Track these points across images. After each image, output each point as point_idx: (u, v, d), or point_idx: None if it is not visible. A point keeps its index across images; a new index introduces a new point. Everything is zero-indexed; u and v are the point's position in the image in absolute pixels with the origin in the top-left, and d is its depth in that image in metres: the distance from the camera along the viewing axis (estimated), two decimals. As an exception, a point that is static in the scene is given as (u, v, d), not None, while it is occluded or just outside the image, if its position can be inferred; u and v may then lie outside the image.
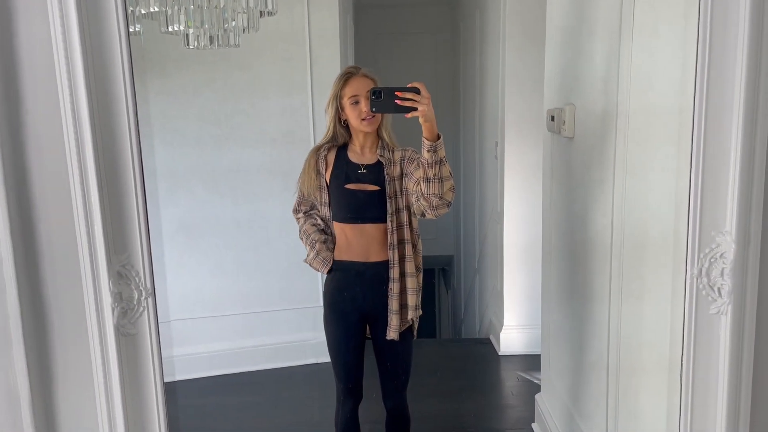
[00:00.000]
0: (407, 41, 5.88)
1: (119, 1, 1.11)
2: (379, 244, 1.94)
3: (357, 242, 1.95)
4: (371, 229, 1.93)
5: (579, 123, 2.06)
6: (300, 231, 2.05)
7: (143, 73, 3.08)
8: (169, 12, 2.00)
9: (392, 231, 1.90)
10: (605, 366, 1.91)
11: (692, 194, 1.24)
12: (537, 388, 2.79)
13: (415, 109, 1.58)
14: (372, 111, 1.67)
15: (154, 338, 1.25)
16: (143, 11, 2.02)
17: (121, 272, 1.20)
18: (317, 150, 1.99)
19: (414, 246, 1.95)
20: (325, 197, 1.99)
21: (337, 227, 1.98)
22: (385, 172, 1.90)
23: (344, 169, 1.94)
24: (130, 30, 1.36)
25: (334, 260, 1.98)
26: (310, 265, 2.01)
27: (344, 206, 1.94)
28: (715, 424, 1.30)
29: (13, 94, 1.12)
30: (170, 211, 3.25)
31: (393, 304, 1.93)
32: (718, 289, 1.26)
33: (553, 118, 2.25)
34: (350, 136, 1.96)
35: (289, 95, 3.27)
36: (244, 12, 2.06)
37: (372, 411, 2.29)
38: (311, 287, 3.33)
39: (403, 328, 1.96)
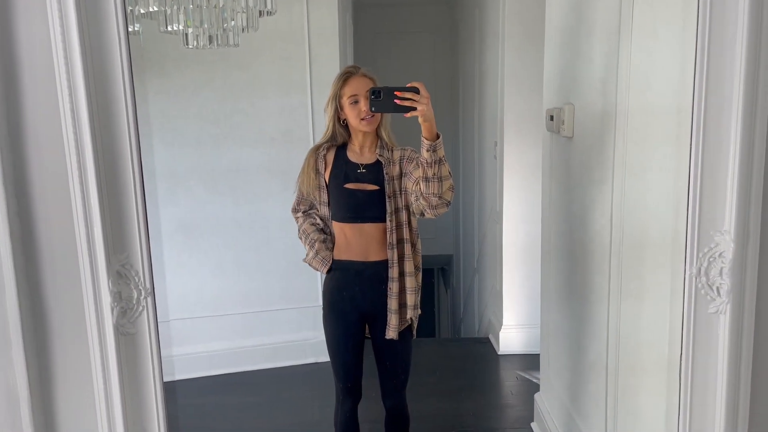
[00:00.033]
0: (406, 40, 5.88)
1: (118, 1, 1.11)
2: (378, 244, 1.94)
3: (356, 242, 1.95)
4: (370, 228, 1.93)
5: (578, 123, 2.06)
6: (299, 230, 2.05)
7: (142, 72, 3.08)
8: (169, 11, 2.00)
9: (391, 230, 1.91)
10: (604, 365, 1.91)
11: (691, 194, 1.24)
12: (536, 388, 2.79)
13: (415, 108, 1.58)
14: (371, 110, 1.67)
15: (154, 338, 1.25)
16: (142, 11, 2.02)
17: (121, 272, 1.20)
18: (316, 149, 1.99)
19: (413, 245, 1.95)
20: (325, 197, 1.99)
21: (337, 227, 1.98)
22: (385, 171, 1.91)
23: (343, 168, 1.94)
24: (129, 29, 1.36)
25: (333, 259, 1.99)
26: (309, 264, 2.01)
27: (343, 206, 1.95)
28: (714, 423, 1.30)
29: (12, 94, 1.12)
30: (169, 211, 3.25)
31: (392, 303, 1.93)
32: (717, 288, 1.26)
33: (552, 118, 2.25)
34: (349, 135, 1.96)
35: (288, 95, 3.27)
36: (243, 11, 2.06)
37: (371, 410, 2.29)
38: (310, 287, 3.33)
39: (402, 328, 1.97)
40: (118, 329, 1.20)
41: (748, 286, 1.25)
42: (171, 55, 3.12)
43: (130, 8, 2.02)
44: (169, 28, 2.03)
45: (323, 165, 1.97)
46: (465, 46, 5.13)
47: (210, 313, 3.37)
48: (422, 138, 1.64)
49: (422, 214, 1.83)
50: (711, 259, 1.25)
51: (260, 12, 2.10)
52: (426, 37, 5.94)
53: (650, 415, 1.66)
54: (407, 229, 1.93)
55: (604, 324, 1.90)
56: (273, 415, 3.00)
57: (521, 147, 3.40)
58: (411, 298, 1.94)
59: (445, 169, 1.69)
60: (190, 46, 2.10)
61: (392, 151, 1.93)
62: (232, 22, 2.08)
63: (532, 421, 2.74)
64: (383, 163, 1.91)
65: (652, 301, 1.61)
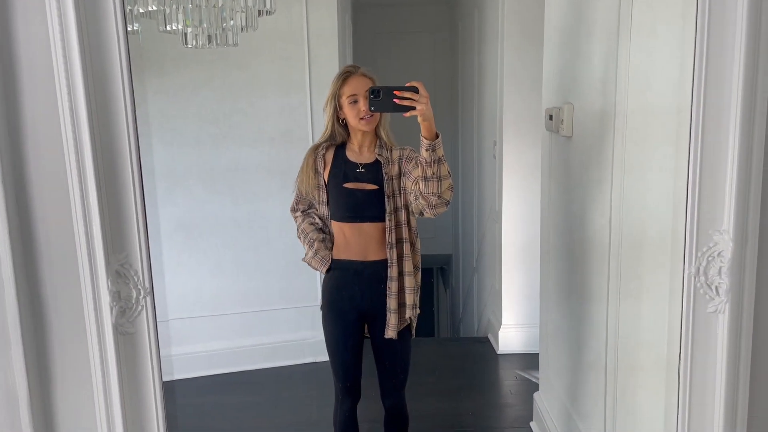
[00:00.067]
0: (406, 40, 5.88)
1: (117, 0, 1.11)
2: (377, 243, 1.94)
3: (355, 241, 1.95)
4: (369, 228, 1.93)
5: (577, 122, 2.06)
6: (298, 230, 2.05)
7: (141, 71, 3.08)
8: (168, 11, 1.99)
9: (390, 230, 1.91)
10: (603, 365, 1.91)
11: (690, 193, 1.24)
12: (535, 387, 2.79)
13: (414, 108, 1.58)
14: (370, 110, 1.67)
15: (153, 337, 1.25)
16: (141, 10, 2.01)
17: (120, 271, 1.20)
18: (315, 149, 1.99)
19: (412, 245, 1.95)
20: (324, 196, 1.99)
21: (336, 226, 1.98)
22: (384, 171, 1.91)
23: (342, 168, 1.94)
24: (129, 29, 1.36)
25: (332, 259, 1.99)
26: (308, 264, 2.01)
27: (342, 205, 1.95)
28: (713, 423, 1.30)
29: (11, 93, 1.12)
30: (168, 210, 3.25)
31: (391, 302, 1.93)
32: (716, 287, 1.26)
33: (551, 118, 2.25)
34: (348, 135, 1.96)
35: (288, 94, 3.27)
36: (242, 11, 2.06)
37: (370, 410, 2.29)
38: (310, 286, 3.33)
39: (402, 327, 1.97)
40: (117, 329, 1.20)
41: (746, 286, 1.26)
42: (170, 55, 3.12)
43: (129, 7, 2.02)
44: (168, 28, 2.03)
45: (322, 164, 1.97)
46: (464, 45, 5.13)
47: (209, 312, 3.37)
48: (421, 137, 1.64)
49: (421, 214, 1.83)
50: (710, 259, 1.25)
51: (259, 11, 2.10)
52: (425, 37, 5.94)
53: (649, 414, 1.66)
54: (406, 228, 1.93)
55: (603, 323, 1.90)
56: (272, 415, 3.00)
57: (520, 146, 3.40)
58: (410, 298, 1.94)
59: (444, 168, 1.69)
60: (189, 46, 2.10)
61: (391, 151, 1.93)
62: (231, 22, 2.08)
63: (532, 420, 2.75)
64: (382, 162, 1.91)
65: (651, 301, 1.61)
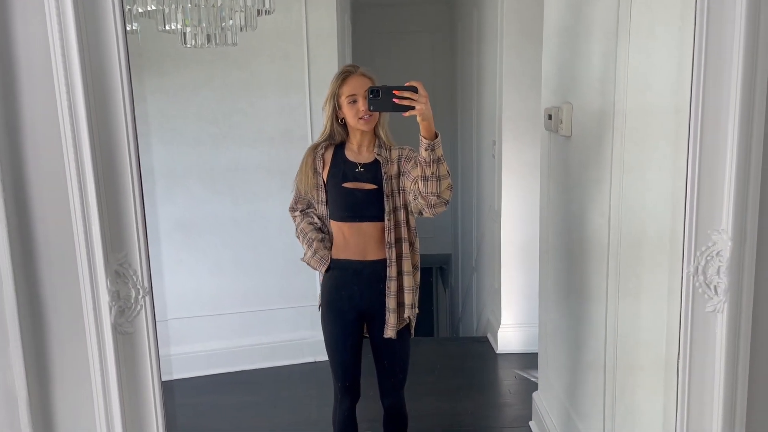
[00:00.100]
0: (405, 40, 5.88)
1: (116, 0, 1.11)
2: (376, 243, 1.94)
3: (354, 241, 1.95)
4: (369, 227, 1.93)
5: (576, 122, 2.06)
6: (296, 230, 2.05)
7: (141, 71, 3.08)
8: (167, 10, 1.99)
9: (390, 229, 1.91)
10: (602, 364, 1.91)
11: (689, 192, 1.24)
12: (534, 387, 2.79)
13: (413, 107, 1.58)
14: (370, 110, 1.67)
15: (152, 337, 1.25)
16: (140, 9, 2.01)
17: (119, 271, 1.20)
18: (314, 148, 1.99)
19: (411, 244, 1.95)
20: (323, 196, 1.99)
21: (335, 226, 1.98)
22: (383, 170, 1.91)
23: (341, 167, 1.94)
24: (127, 28, 1.36)
25: (331, 258, 1.99)
26: (307, 263, 2.01)
27: (341, 205, 1.95)
28: (712, 422, 1.30)
29: (10, 93, 1.12)
30: (168, 209, 3.25)
31: (390, 302, 1.93)
32: (714, 287, 1.26)
33: (550, 117, 2.25)
34: (347, 134, 1.96)
35: (287, 94, 3.27)
36: (241, 10, 2.06)
37: (369, 409, 2.29)
38: (309, 286, 3.33)
39: (401, 327, 1.97)
40: (116, 328, 1.20)
41: (745, 285, 1.26)
42: (169, 54, 3.12)
43: (128, 7, 2.02)
44: (167, 27, 2.03)
45: (321, 164, 1.97)
46: (463, 45, 5.13)
47: (208, 312, 3.37)
48: (421, 137, 1.64)
49: (420, 213, 1.83)
50: (708, 258, 1.25)
51: (258, 11, 2.09)
52: (424, 36, 5.94)
53: (648, 413, 1.66)
54: (405, 228, 1.93)
55: (602, 323, 1.90)
56: (271, 415, 3.01)
57: (519, 146, 3.40)
58: (409, 297, 1.94)
59: (444, 168, 1.69)
60: (188, 45, 2.10)
61: (390, 150, 1.93)
62: (230, 21, 2.08)
63: (531, 420, 2.75)
64: (381, 162, 1.91)
65: (650, 300, 1.61)
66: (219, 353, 3.38)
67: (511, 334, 3.57)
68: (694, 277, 1.26)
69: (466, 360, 3.61)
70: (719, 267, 1.25)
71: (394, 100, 1.58)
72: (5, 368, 1.18)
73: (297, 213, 2.06)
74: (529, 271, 3.30)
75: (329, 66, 3.19)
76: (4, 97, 1.11)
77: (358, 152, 1.95)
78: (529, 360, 3.31)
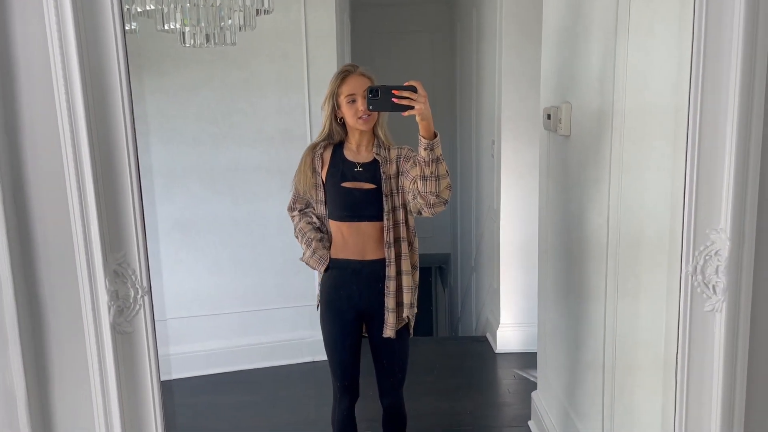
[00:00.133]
0: (404, 40, 5.88)
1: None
2: (375, 242, 1.94)
3: (353, 240, 1.95)
4: (368, 227, 1.93)
5: (575, 121, 2.06)
6: (295, 229, 2.05)
7: (140, 71, 3.08)
8: (165, 10, 1.99)
9: (389, 229, 1.91)
10: (601, 364, 1.91)
11: (687, 192, 1.24)
12: (533, 386, 2.79)
13: (412, 107, 1.58)
14: (369, 109, 1.67)
15: (151, 336, 1.25)
16: (139, 9, 2.01)
17: (118, 270, 1.20)
18: (313, 148, 1.98)
19: (410, 244, 1.95)
20: (321, 195, 1.99)
21: (334, 225, 1.98)
22: (381, 170, 1.91)
23: (340, 167, 1.94)
24: (126, 28, 1.36)
25: (330, 258, 1.99)
26: (306, 263, 2.01)
27: (340, 204, 1.95)
28: (710, 421, 1.31)
29: (8, 92, 1.12)
30: (166, 209, 3.25)
31: (389, 302, 1.93)
32: (713, 286, 1.26)
33: (549, 117, 2.25)
34: (346, 134, 1.96)
35: (286, 94, 3.27)
36: (240, 10, 2.06)
37: (368, 409, 2.29)
38: (307, 285, 3.33)
39: (400, 326, 1.97)
40: (115, 328, 1.20)
41: (743, 284, 1.26)
42: (169, 54, 3.12)
43: (127, 7, 2.02)
44: (166, 27, 2.03)
45: (320, 163, 1.97)
46: (463, 45, 5.13)
47: (207, 311, 3.37)
48: (420, 136, 1.64)
49: (419, 213, 1.83)
50: (707, 258, 1.26)
51: (257, 11, 2.10)
52: (424, 36, 5.94)
53: (647, 413, 1.67)
54: (404, 227, 1.93)
55: (601, 322, 1.90)
56: (270, 414, 3.00)
57: (518, 145, 3.40)
58: (408, 297, 1.94)
59: (443, 167, 1.69)
60: (187, 45, 2.10)
61: (389, 150, 1.93)
62: (229, 21, 2.08)
63: (530, 419, 2.75)
64: (380, 161, 1.91)
65: (649, 300, 1.61)
66: (218, 353, 3.38)
67: (510, 334, 3.57)
68: (692, 276, 1.27)
69: (465, 360, 3.62)
70: (718, 266, 1.25)
71: (393, 99, 1.58)
72: (4, 368, 1.18)
73: (296, 212, 2.06)
74: (528, 271, 3.31)
75: (328, 66, 3.19)
76: (2, 97, 1.11)
77: (356, 152, 1.95)
78: (528, 359, 3.32)
